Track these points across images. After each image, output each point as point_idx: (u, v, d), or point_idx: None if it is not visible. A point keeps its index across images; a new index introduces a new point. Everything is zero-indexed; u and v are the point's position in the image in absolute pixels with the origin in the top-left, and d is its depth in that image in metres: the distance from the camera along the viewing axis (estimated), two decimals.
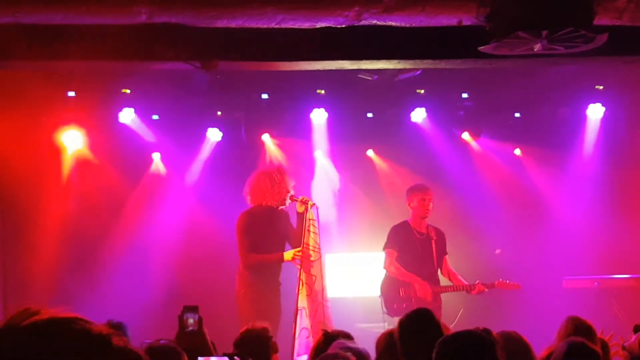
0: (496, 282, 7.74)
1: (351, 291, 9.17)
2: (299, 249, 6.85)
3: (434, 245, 7.75)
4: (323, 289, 6.82)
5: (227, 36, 5.43)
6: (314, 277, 6.75)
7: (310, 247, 6.79)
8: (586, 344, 3.84)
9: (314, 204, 6.96)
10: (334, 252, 9.29)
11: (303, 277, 6.75)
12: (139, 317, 7.71)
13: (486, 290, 7.68)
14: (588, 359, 3.57)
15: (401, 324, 4.14)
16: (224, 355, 3.43)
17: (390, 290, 7.65)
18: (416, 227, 7.77)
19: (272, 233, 7.08)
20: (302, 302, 6.68)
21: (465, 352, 3.23)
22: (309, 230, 6.82)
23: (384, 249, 7.77)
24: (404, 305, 7.41)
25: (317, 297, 6.73)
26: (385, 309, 7.63)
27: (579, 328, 4.49)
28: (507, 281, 7.78)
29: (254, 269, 7.04)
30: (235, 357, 3.37)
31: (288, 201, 7.09)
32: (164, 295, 8.56)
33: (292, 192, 7.09)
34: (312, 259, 6.79)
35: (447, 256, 7.90)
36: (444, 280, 7.93)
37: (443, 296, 7.77)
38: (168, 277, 8.86)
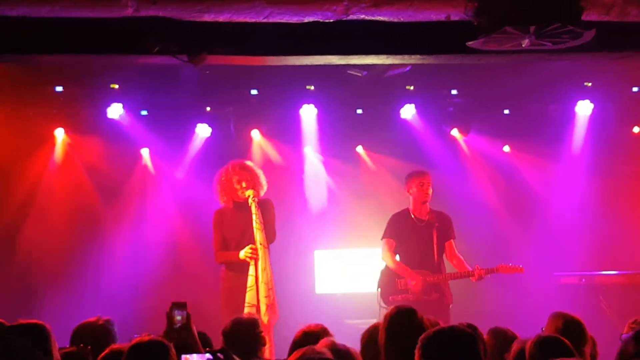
0: (497, 266, 7.48)
1: (340, 287, 9.18)
2: (250, 246, 6.75)
3: (435, 233, 7.48)
4: (266, 284, 6.69)
5: (215, 30, 5.40)
6: (259, 273, 6.68)
7: (257, 243, 6.74)
8: (560, 339, 3.84)
9: (254, 199, 6.82)
10: (323, 248, 9.30)
11: (252, 272, 6.71)
12: (129, 312, 7.73)
13: (486, 275, 7.40)
14: (561, 353, 3.55)
15: (387, 326, 4.12)
16: (207, 352, 3.41)
17: (388, 282, 7.49)
18: (416, 214, 7.52)
19: (238, 230, 6.94)
20: (251, 299, 6.64)
21: (448, 347, 3.23)
22: (252, 226, 6.77)
23: (382, 238, 7.62)
24: (400, 297, 7.29)
25: (259, 292, 6.67)
26: (382, 302, 7.46)
27: (568, 324, 4.47)
28: (510, 264, 7.52)
29: (225, 265, 7.03)
30: (219, 354, 3.34)
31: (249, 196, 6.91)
32: (154, 290, 8.55)
33: (245, 190, 6.88)
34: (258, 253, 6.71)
35: (453, 241, 7.59)
36: (450, 268, 7.66)
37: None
38: (158, 272, 8.85)
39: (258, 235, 6.75)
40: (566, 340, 3.85)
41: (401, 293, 7.37)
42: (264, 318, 6.55)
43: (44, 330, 3.54)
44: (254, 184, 6.96)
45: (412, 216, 7.56)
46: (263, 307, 6.63)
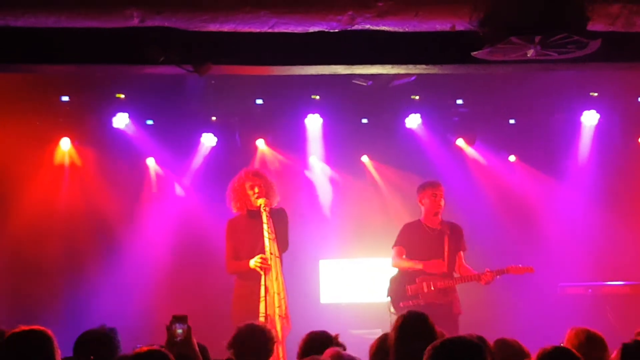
0: (508, 267, 7.40)
1: (345, 297, 9.15)
2: (260, 255, 6.71)
3: (446, 242, 7.45)
4: (278, 294, 6.65)
5: (220, 40, 5.41)
6: (271, 283, 6.64)
7: (267, 253, 6.70)
8: (568, 351, 3.79)
9: (265, 207, 6.77)
10: (328, 258, 9.28)
11: (264, 282, 6.67)
12: (134, 321, 7.74)
13: (495, 277, 7.33)
14: None
15: (398, 326, 4.14)
16: None
17: (398, 289, 7.48)
18: (428, 224, 7.49)
19: (251, 238, 6.90)
20: (264, 309, 6.60)
21: (455, 357, 3.22)
22: (263, 235, 6.74)
23: (393, 247, 7.58)
24: (411, 302, 7.27)
25: (273, 303, 6.65)
26: (393, 309, 7.44)
27: (590, 340, 4.43)
28: (520, 265, 7.44)
29: (237, 275, 7.00)
30: None
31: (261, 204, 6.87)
32: (160, 300, 8.55)
33: (258, 197, 6.84)
34: (269, 263, 6.67)
35: (463, 252, 7.56)
36: None
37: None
38: (163, 281, 8.85)
39: (269, 245, 6.71)
40: (578, 353, 3.81)
41: (412, 299, 7.34)
42: (277, 329, 6.52)
43: (46, 337, 3.54)
44: (267, 191, 6.92)
45: (425, 225, 7.53)
46: (276, 318, 6.60)
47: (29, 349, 3.45)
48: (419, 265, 7.37)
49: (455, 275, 7.51)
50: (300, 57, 5.74)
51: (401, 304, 7.33)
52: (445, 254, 7.45)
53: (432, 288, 7.35)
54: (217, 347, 4.86)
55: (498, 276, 7.39)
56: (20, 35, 5.37)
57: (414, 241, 7.50)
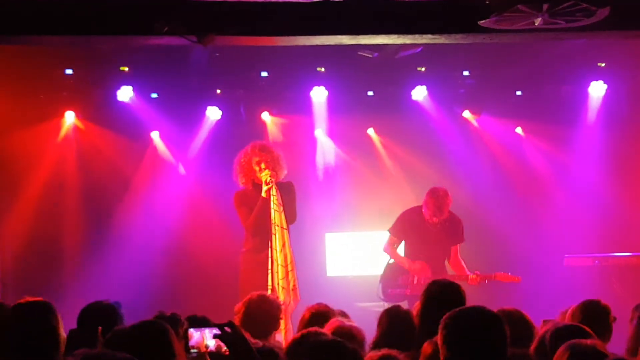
0: (496, 274, 7.45)
1: (351, 270, 9.17)
2: (265, 178, 6.73)
3: (443, 237, 7.48)
4: (284, 267, 6.67)
5: (224, 10, 5.36)
6: (275, 255, 6.66)
7: (273, 224, 6.69)
8: (581, 328, 3.75)
9: (271, 179, 6.75)
10: (334, 231, 9.28)
11: (270, 255, 6.68)
12: (139, 296, 7.74)
13: (481, 282, 7.36)
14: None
15: (427, 291, 4.12)
16: (215, 325, 3.38)
17: (390, 275, 7.60)
18: (429, 219, 7.47)
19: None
20: (270, 281, 6.63)
21: (471, 326, 3.16)
22: (270, 207, 6.72)
23: (389, 230, 7.66)
24: (398, 291, 7.42)
25: (278, 275, 6.66)
26: (381, 294, 7.60)
27: (594, 311, 4.42)
28: (509, 273, 7.47)
29: (252, 233, 6.92)
30: (226, 328, 3.32)
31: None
32: (165, 272, 8.56)
33: (263, 171, 6.82)
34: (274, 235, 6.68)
35: (459, 245, 7.59)
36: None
37: None
38: (169, 255, 8.85)
39: (275, 217, 6.70)
40: (587, 328, 3.77)
41: (400, 287, 7.42)
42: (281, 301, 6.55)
43: (49, 308, 3.54)
44: (274, 165, 6.90)
45: (424, 219, 7.50)
46: (279, 290, 6.61)
47: (32, 320, 3.45)
48: (405, 265, 7.45)
49: (449, 270, 7.57)
50: (304, 27, 5.69)
51: (389, 290, 7.47)
52: (440, 250, 7.50)
53: (422, 282, 7.38)
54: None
55: (486, 281, 7.37)
56: (23, 5, 5.33)
57: (411, 234, 7.55)
